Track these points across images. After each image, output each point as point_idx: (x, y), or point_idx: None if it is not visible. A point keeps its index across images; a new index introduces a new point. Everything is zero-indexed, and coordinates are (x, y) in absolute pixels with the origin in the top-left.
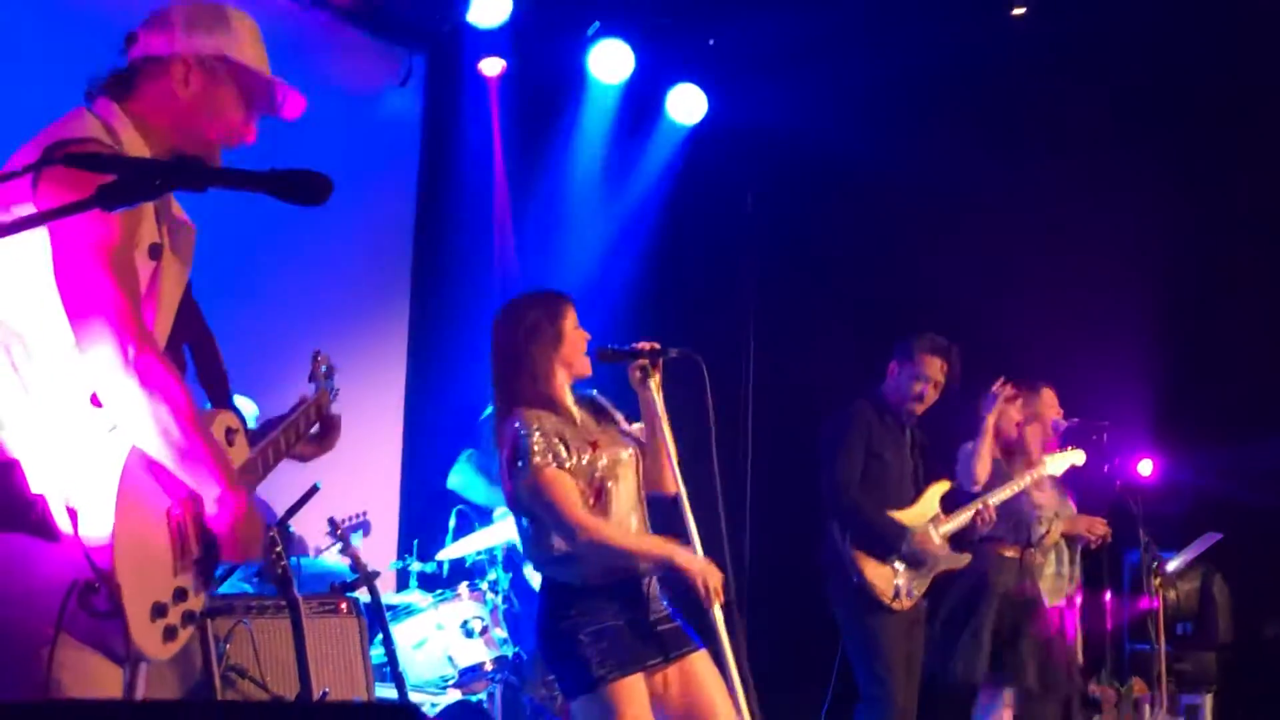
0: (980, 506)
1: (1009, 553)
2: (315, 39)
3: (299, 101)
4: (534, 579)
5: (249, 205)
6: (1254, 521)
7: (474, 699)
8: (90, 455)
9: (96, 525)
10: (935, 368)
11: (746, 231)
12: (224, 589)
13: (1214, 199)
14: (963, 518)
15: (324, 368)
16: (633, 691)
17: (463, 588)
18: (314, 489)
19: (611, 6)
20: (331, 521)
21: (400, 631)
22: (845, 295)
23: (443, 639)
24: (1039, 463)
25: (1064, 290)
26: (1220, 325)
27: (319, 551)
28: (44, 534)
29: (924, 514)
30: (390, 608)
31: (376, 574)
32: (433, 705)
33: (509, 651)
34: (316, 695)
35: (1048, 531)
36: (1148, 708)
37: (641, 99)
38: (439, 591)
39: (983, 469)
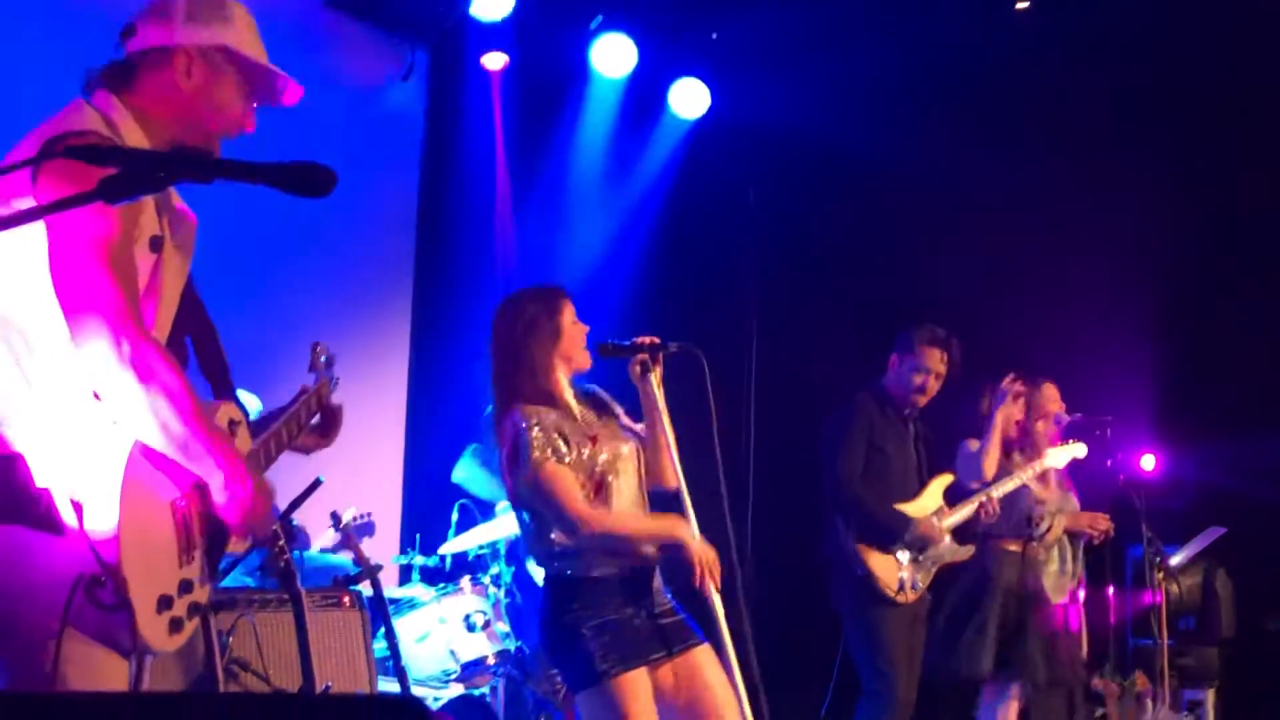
0: (984, 499)
1: (1012, 547)
2: (319, 32)
3: (297, 90)
4: (537, 573)
5: (252, 198)
6: (1257, 516)
7: (476, 693)
8: (94, 448)
9: (101, 518)
10: (935, 359)
11: (748, 226)
12: (227, 582)
13: (1216, 195)
14: (966, 510)
15: (323, 358)
16: (636, 685)
17: (465, 582)
18: (317, 483)
19: (614, 1)
20: (334, 515)
21: (403, 625)
22: (847, 290)
23: (445, 633)
24: (1041, 456)
25: (1066, 286)
26: (1222, 320)
27: (335, 548)
28: (49, 528)
29: (927, 507)
30: (393, 601)
31: (379, 568)
32: (435, 699)
33: (511, 645)
34: (319, 689)
35: (1049, 528)
36: (1150, 702)
37: (644, 93)
38: (441, 585)
39: (990, 466)
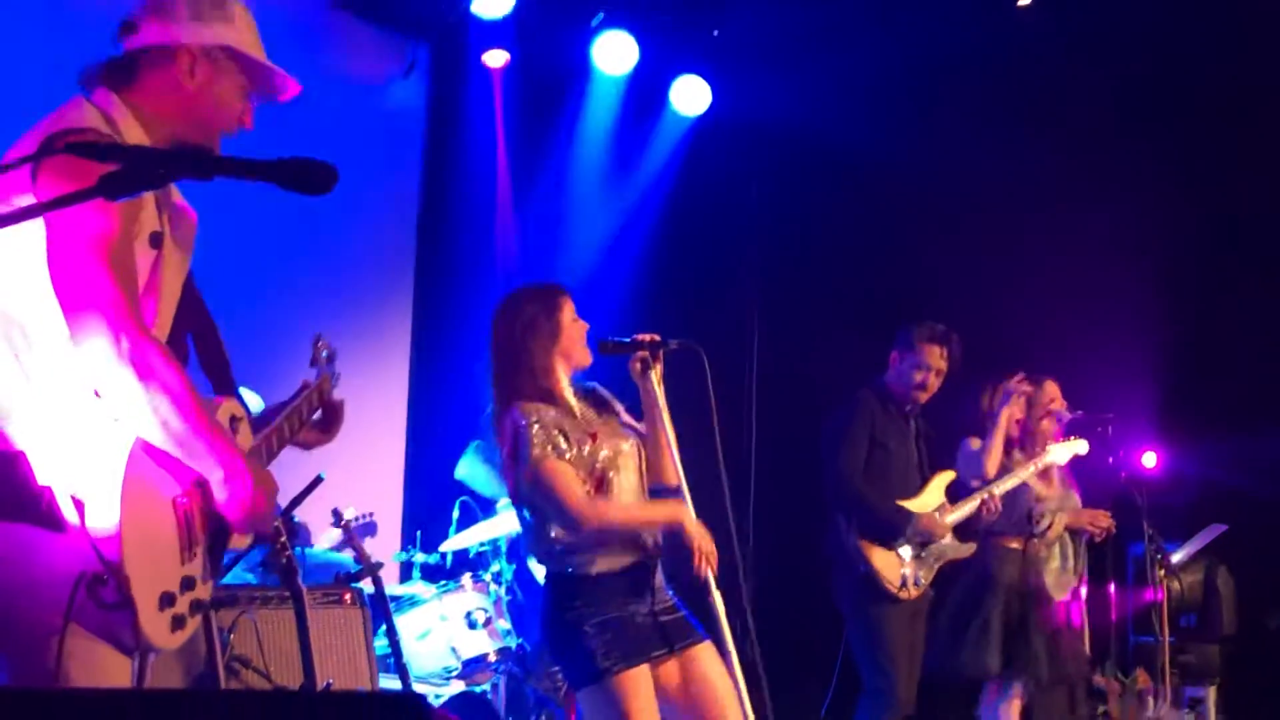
0: (985, 496)
1: (1013, 544)
2: (320, 30)
3: (295, 86)
4: (538, 570)
5: (253, 195)
6: (1258, 513)
7: (477, 690)
8: (95, 445)
9: (103, 516)
10: (936, 355)
11: (749, 223)
12: (228, 579)
13: (1217, 193)
14: (969, 507)
15: (325, 352)
16: (638, 682)
17: (466, 579)
18: (318, 480)
19: None
20: (335, 513)
21: (404, 623)
22: (848, 287)
23: (446, 630)
24: (1043, 452)
25: (1068, 283)
26: (1224, 317)
27: (339, 547)
28: (51, 525)
29: (929, 504)
30: (394, 599)
31: (380, 565)
32: (436, 696)
33: (512, 643)
34: (320, 686)
35: (1050, 525)
36: (1151, 700)
37: (645, 90)
38: (443, 583)
39: (992, 464)
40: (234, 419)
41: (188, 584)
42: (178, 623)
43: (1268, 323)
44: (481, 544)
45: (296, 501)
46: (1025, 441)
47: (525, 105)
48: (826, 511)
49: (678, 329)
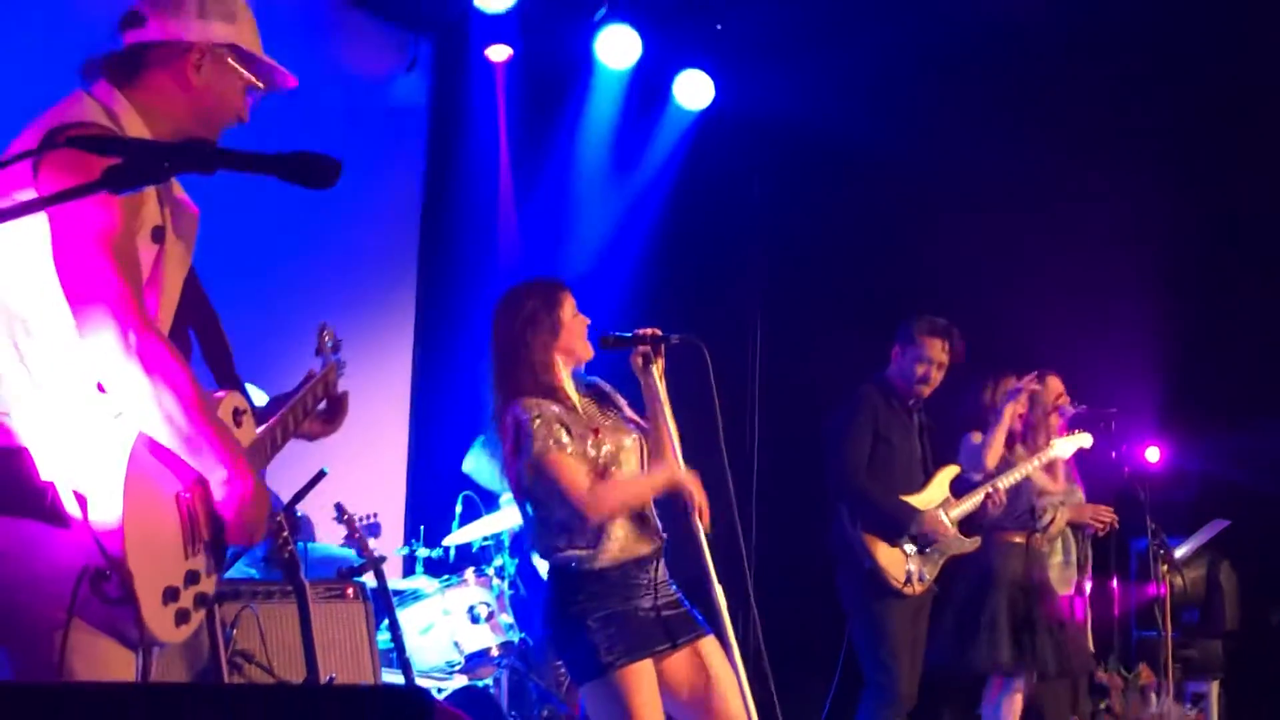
0: (990, 490)
1: (1015, 539)
2: (323, 24)
3: (292, 81)
4: (541, 565)
5: (256, 189)
6: (1261, 509)
7: (480, 684)
8: (97, 440)
9: (106, 511)
10: (937, 349)
11: (752, 217)
12: (231, 574)
13: (1221, 188)
14: (973, 501)
15: (330, 341)
16: (641, 677)
17: (469, 573)
18: (321, 474)
19: None
20: (339, 507)
21: (407, 617)
22: (850, 282)
23: (449, 624)
24: (1047, 446)
25: (1071, 278)
26: (1227, 312)
27: (347, 543)
28: (55, 520)
29: (933, 499)
30: (397, 593)
31: (383, 559)
32: (439, 690)
33: (515, 637)
34: (323, 680)
35: (1052, 520)
36: (1154, 695)
37: (648, 85)
38: (445, 577)
39: (992, 457)
40: (237, 412)
41: (191, 578)
42: (181, 617)
43: (1270, 318)
44: (484, 538)
45: (300, 495)
46: (1028, 436)
47: (528, 100)
48: (830, 507)
49: (680, 324)
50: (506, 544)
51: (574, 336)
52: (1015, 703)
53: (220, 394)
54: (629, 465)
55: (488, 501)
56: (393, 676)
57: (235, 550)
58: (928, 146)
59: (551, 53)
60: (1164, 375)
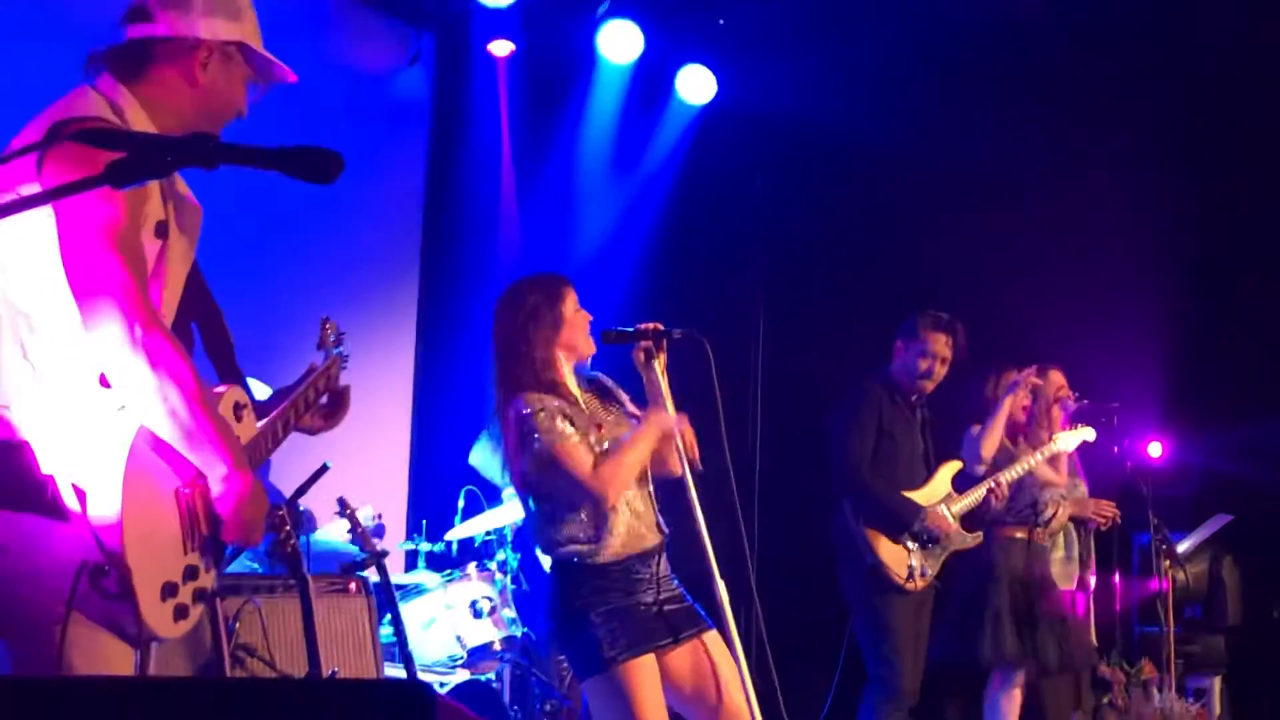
0: (992, 485)
1: (1017, 534)
2: (325, 18)
3: (292, 77)
4: (545, 560)
5: (258, 183)
6: (1264, 504)
7: (483, 679)
8: (98, 435)
9: (105, 505)
10: (941, 343)
11: (755, 212)
12: (233, 568)
13: (1224, 182)
14: (975, 496)
15: (332, 335)
16: (644, 671)
17: (471, 568)
18: (323, 468)
19: None
20: (341, 501)
21: (409, 611)
22: (853, 277)
23: (451, 619)
24: (1050, 440)
25: (1074, 272)
26: (1230, 307)
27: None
28: (55, 514)
29: (936, 493)
30: (399, 587)
31: (385, 554)
32: (441, 685)
33: (518, 632)
34: (325, 674)
35: (1055, 514)
36: (1156, 690)
37: (651, 79)
38: (448, 571)
39: (988, 449)
40: (238, 406)
41: (190, 574)
42: (180, 612)
43: (1273, 312)
44: (487, 533)
45: (302, 490)
46: (1031, 430)
47: (530, 94)
48: (832, 501)
49: (682, 319)
50: (509, 538)
51: (576, 332)
52: (1014, 698)
53: (221, 389)
54: None
55: (490, 496)
56: (395, 671)
57: (235, 547)
58: (930, 141)
59: (554, 47)
60: (1166, 370)
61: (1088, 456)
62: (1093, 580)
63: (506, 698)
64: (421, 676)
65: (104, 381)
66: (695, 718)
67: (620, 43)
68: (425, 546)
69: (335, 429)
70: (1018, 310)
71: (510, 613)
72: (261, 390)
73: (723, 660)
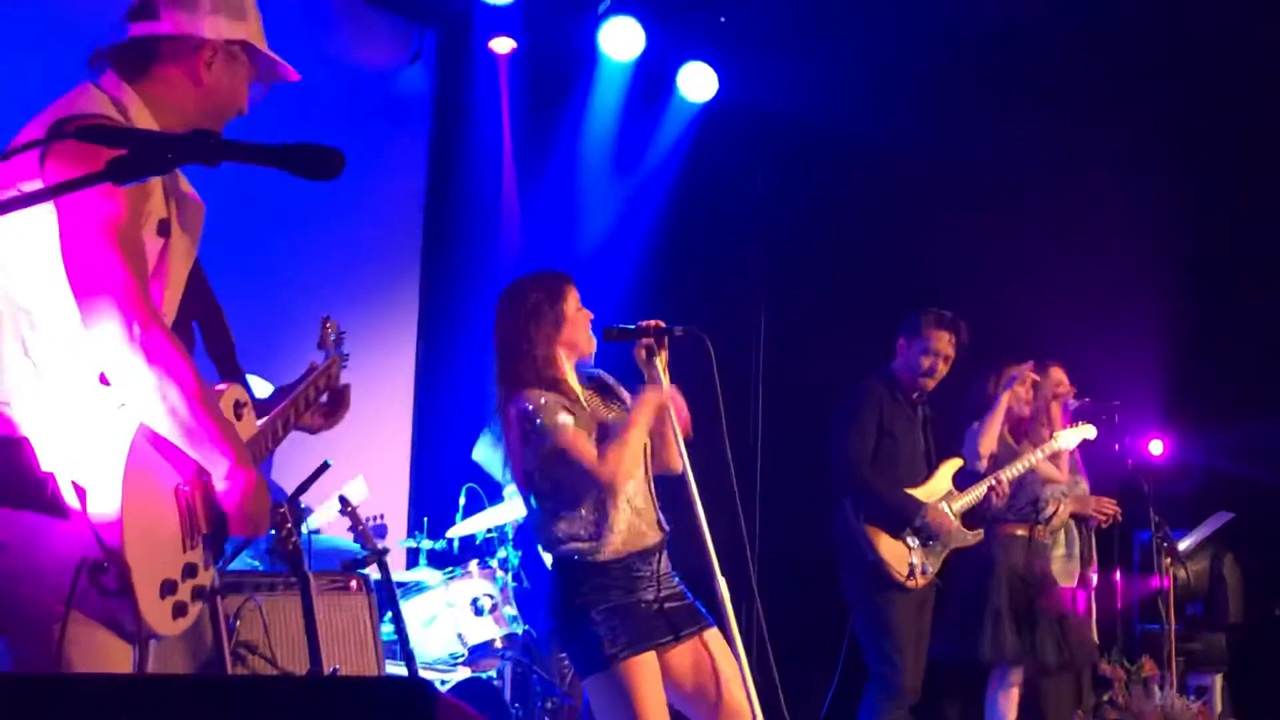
0: (993, 482)
1: (1019, 531)
2: (327, 15)
3: (294, 75)
4: (548, 557)
5: (259, 180)
6: (1265, 501)
7: (484, 676)
8: (98, 432)
9: (105, 503)
10: (944, 341)
11: (756, 210)
12: (235, 565)
13: (1225, 180)
14: (976, 493)
15: (333, 334)
16: (645, 669)
17: (473, 565)
18: (325, 466)
19: None
20: (342, 499)
21: (410, 609)
22: (855, 274)
23: (453, 616)
24: (1051, 438)
25: (1075, 270)
26: (1231, 305)
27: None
28: (54, 512)
29: (937, 491)
30: (400, 585)
31: (386, 551)
32: (442, 682)
33: (519, 629)
34: (326, 672)
35: (1055, 511)
36: (1157, 688)
37: (652, 77)
38: (449, 569)
39: (986, 445)
40: (238, 404)
41: (189, 571)
42: (179, 610)
43: (1274, 310)
44: (488, 530)
45: (304, 487)
46: (1032, 428)
47: (531, 92)
48: (833, 499)
49: (683, 316)
50: (510, 536)
51: (577, 330)
52: (1012, 696)
53: (222, 387)
54: None
55: (491, 494)
56: (396, 668)
57: (236, 544)
58: (931, 140)
59: (555, 45)
60: (1168, 368)
61: (1089, 454)
62: (1094, 578)
63: (508, 695)
64: (423, 674)
65: (104, 379)
66: (696, 715)
67: (621, 40)
68: (426, 544)
69: (336, 427)
70: (1019, 309)
71: (511, 610)
72: (262, 387)
73: (723, 658)
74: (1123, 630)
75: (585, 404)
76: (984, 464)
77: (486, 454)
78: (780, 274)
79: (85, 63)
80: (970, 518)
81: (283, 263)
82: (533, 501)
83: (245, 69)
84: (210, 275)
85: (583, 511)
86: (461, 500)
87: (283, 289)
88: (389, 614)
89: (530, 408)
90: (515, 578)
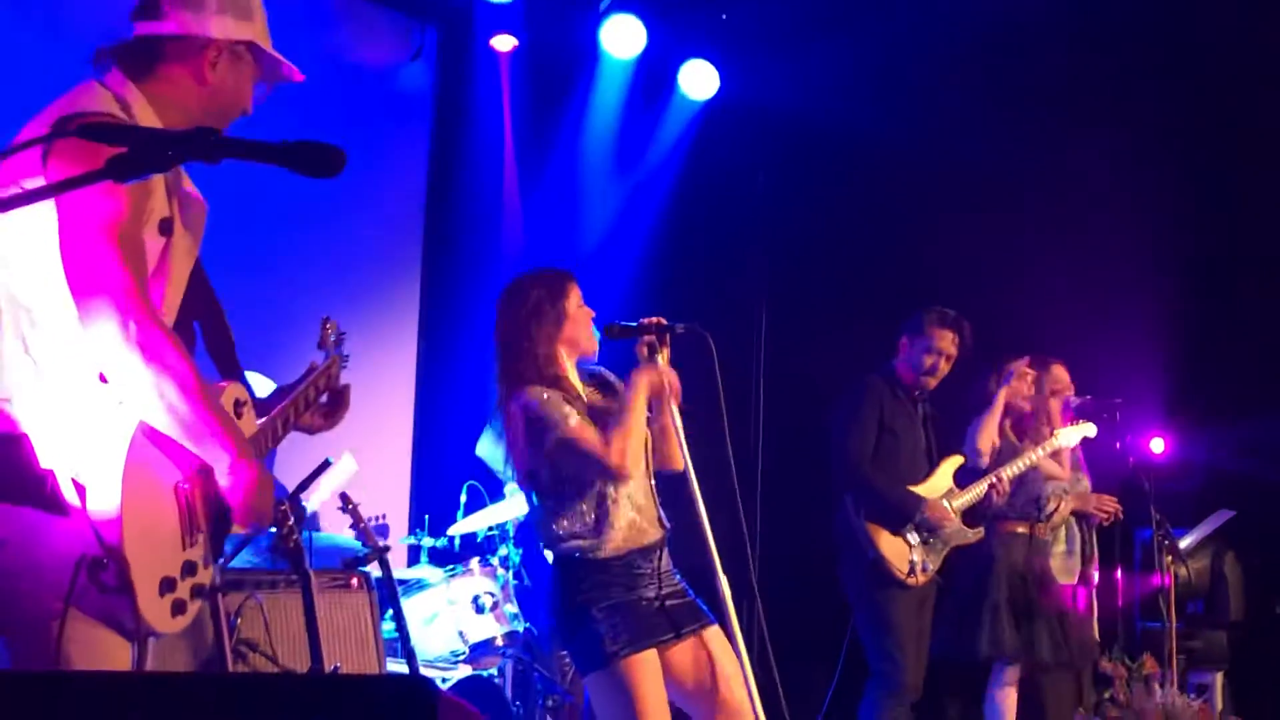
0: (994, 480)
1: (1020, 529)
2: (327, 12)
3: (300, 75)
4: (549, 554)
5: (260, 178)
6: (1266, 499)
7: (485, 674)
8: (98, 429)
9: (104, 500)
10: (947, 340)
11: (758, 208)
12: (236, 563)
13: (1227, 178)
14: (977, 491)
15: (333, 335)
16: (646, 666)
17: (474, 563)
18: (326, 464)
19: None
20: (343, 496)
21: (411, 606)
22: (856, 272)
23: (454, 614)
24: (1052, 436)
25: (1077, 268)
26: (1233, 303)
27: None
28: (54, 509)
29: (938, 488)
30: (402, 583)
31: (387, 549)
32: (443, 680)
33: (520, 627)
34: (328, 669)
35: (1055, 509)
36: (1158, 685)
37: (653, 74)
38: (450, 567)
39: (985, 441)
40: (238, 403)
41: (189, 569)
42: (178, 608)
43: (1276, 308)
44: (489, 528)
45: (305, 485)
46: (1033, 426)
47: (533, 89)
48: (834, 497)
49: (684, 314)
50: (511, 534)
51: (579, 328)
52: (1010, 694)
53: (222, 385)
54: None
55: (492, 491)
56: (397, 666)
57: (237, 541)
58: (933, 137)
59: (556, 42)
60: (1169, 366)
61: (1090, 452)
62: (1095, 575)
63: (508, 693)
64: (423, 672)
65: (104, 378)
66: (697, 713)
67: (623, 38)
68: (427, 541)
69: (336, 427)
70: (1020, 306)
71: (512, 608)
72: (263, 384)
73: (724, 655)
74: (1124, 628)
75: (586, 401)
76: (984, 460)
77: (490, 449)
78: (781, 272)
79: (85, 62)
80: (971, 515)
81: (283, 260)
82: (534, 499)
83: (250, 69)
84: (211, 272)
85: (584, 508)
86: (463, 498)
87: (283, 286)
88: (390, 611)
89: (534, 403)
90: (516, 575)
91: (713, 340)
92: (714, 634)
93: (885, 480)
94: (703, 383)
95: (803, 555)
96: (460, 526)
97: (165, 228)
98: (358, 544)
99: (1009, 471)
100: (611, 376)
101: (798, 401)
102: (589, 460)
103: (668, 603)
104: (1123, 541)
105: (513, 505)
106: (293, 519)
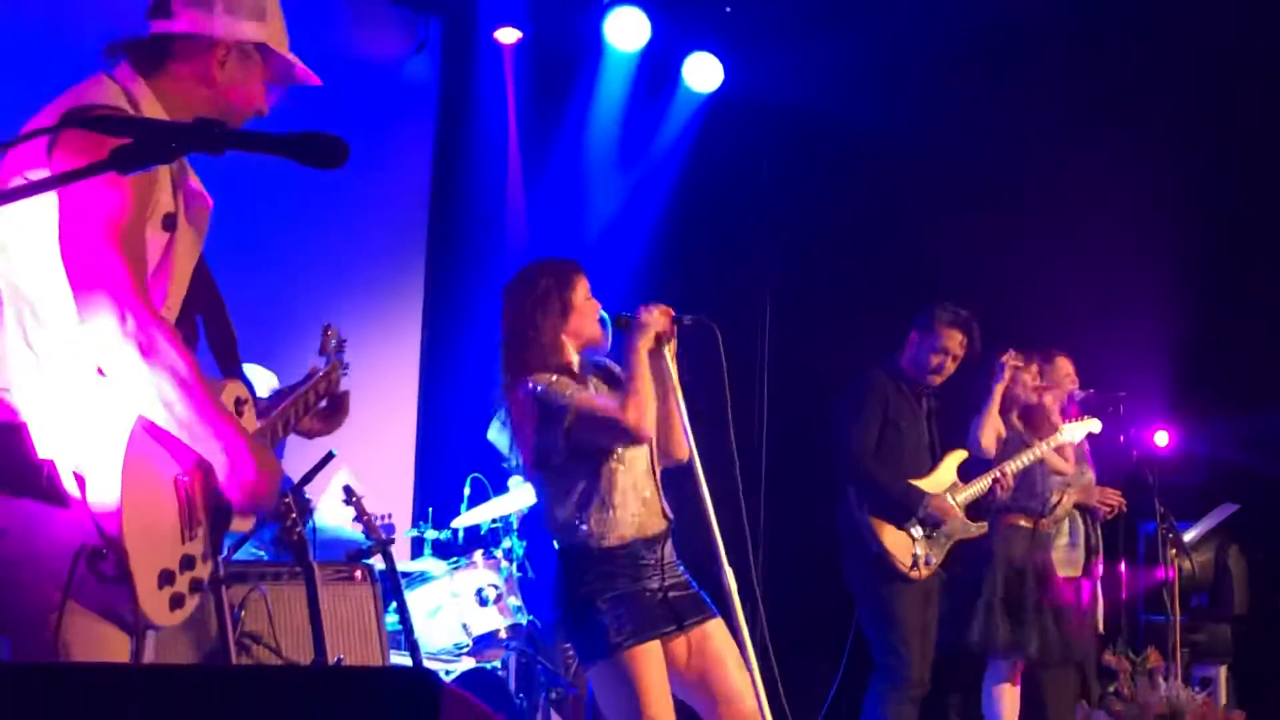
0: (997, 474)
1: (1021, 522)
2: (332, 5)
3: (315, 79)
4: (555, 544)
5: (264, 171)
6: (1270, 493)
7: (488, 666)
8: (98, 421)
9: (104, 491)
10: (955, 341)
11: (762, 200)
12: (239, 555)
13: (1231, 171)
14: (980, 485)
15: (334, 341)
16: (649, 658)
17: (477, 555)
18: (329, 456)
19: None
20: (347, 489)
21: (415, 599)
22: (860, 265)
23: (457, 607)
24: (1056, 430)
25: (1081, 261)
26: (1237, 296)
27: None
28: (54, 499)
29: (942, 482)
30: (405, 575)
31: (391, 541)
32: (447, 672)
33: (523, 619)
34: (331, 661)
35: (1059, 502)
36: (1162, 679)
37: (658, 67)
38: (454, 559)
39: (987, 435)
40: (239, 401)
41: (187, 563)
42: (176, 601)
43: None
44: (493, 520)
45: (308, 477)
46: (1037, 419)
47: (537, 82)
48: (837, 490)
49: (688, 307)
50: (515, 526)
51: (584, 319)
52: (1008, 688)
53: (222, 383)
54: (638, 445)
55: (496, 484)
56: (401, 658)
57: (237, 538)
58: (937, 130)
59: (560, 35)
60: (1173, 359)
61: (1095, 445)
62: (1100, 569)
63: (512, 685)
64: (427, 664)
65: (103, 372)
66: (699, 705)
67: (627, 30)
68: (431, 534)
69: (334, 431)
70: (1024, 300)
71: (516, 600)
72: (262, 375)
73: (727, 648)
74: (1128, 621)
75: (593, 391)
76: (988, 453)
77: (499, 436)
78: (786, 264)
79: (87, 60)
80: (975, 509)
81: (287, 253)
82: (540, 485)
83: (259, 70)
84: (214, 265)
85: (589, 497)
86: (466, 490)
87: (287, 280)
88: (394, 604)
89: (541, 387)
90: (520, 568)
91: (719, 331)
92: (717, 626)
93: (888, 474)
94: (709, 374)
95: (807, 547)
96: (464, 519)
97: (169, 223)
98: (361, 537)
99: (1013, 466)
100: (617, 368)
101: (802, 394)
102: (606, 424)
103: (671, 594)
104: (1127, 535)
105: (516, 498)
106: (296, 512)
